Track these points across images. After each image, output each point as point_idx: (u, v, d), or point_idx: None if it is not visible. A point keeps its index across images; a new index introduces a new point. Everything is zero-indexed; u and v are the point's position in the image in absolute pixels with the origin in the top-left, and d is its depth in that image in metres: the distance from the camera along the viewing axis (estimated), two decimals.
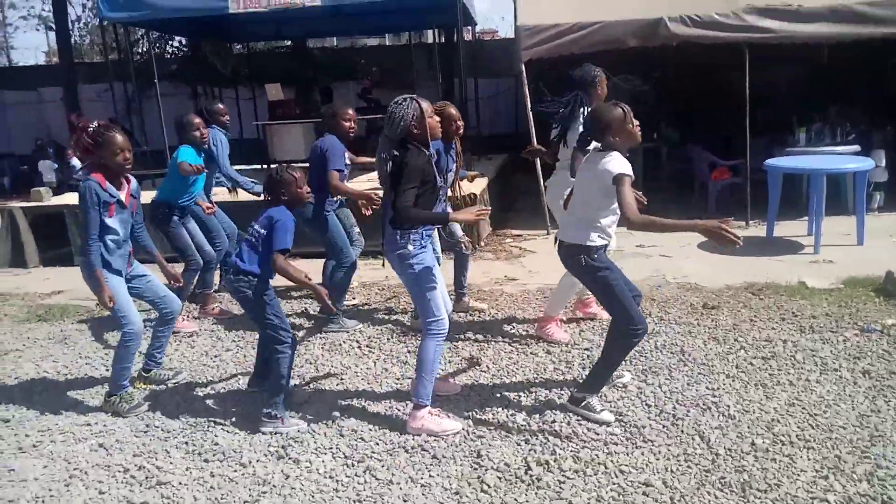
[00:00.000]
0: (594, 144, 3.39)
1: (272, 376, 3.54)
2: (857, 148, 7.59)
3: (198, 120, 5.00)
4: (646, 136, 9.09)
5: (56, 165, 12.13)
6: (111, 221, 3.61)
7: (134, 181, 3.79)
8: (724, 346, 4.18)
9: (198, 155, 4.96)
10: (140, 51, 14.21)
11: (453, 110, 4.32)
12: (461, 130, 4.37)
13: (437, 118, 3.41)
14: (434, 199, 3.37)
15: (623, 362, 3.53)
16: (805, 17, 6.83)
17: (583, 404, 3.42)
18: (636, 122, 3.28)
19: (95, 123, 3.61)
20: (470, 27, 11.68)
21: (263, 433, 3.43)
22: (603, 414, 3.39)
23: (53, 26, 17.20)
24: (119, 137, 3.57)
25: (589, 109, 4.01)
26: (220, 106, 5.76)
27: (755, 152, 7.24)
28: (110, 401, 3.78)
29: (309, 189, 3.62)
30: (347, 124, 4.66)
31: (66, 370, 4.39)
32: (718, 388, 3.64)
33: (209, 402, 3.83)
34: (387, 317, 5.07)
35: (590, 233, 3.30)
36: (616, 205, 3.19)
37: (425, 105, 3.29)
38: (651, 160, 9.45)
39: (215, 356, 4.49)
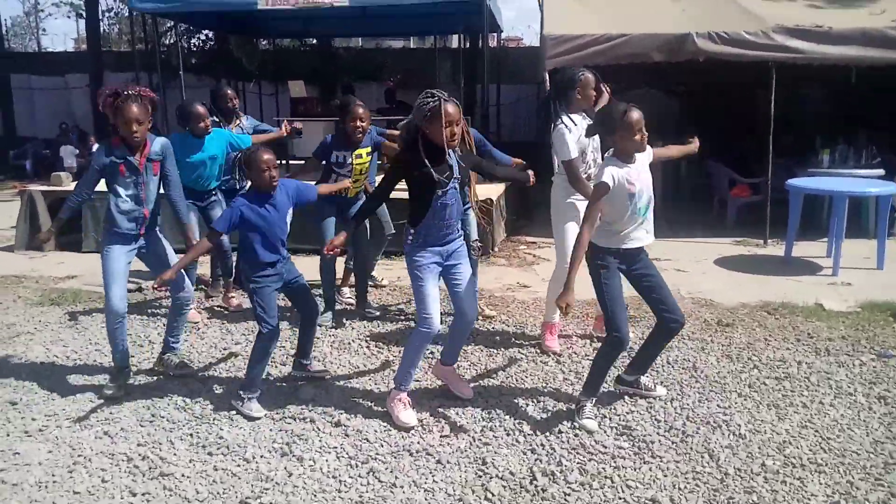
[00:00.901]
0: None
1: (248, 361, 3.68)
2: (881, 172, 7.49)
3: (201, 110, 4.85)
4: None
5: (77, 151, 12.26)
6: (120, 182, 3.70)
7: (158, 143, 3.78)
8: (737, 365, 4.12)
9: (192, 145, 4.91)
10: (167, 42, 14.34)
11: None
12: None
13: (457, 130, 3.28)
14: (431, 199, 3.34)
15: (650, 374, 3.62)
16: (834, 39, 6.76)
17: (577, 406, 3.49)
18: (644, 133, 3.27)
19: (118, 90, 3.64)
20: (495, 34, 11.67)
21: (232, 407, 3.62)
22: (586, 421, 3.41)
23: (84, 14, 17.42)
24: (129, 110, 3.57)
25: (564, 116, 4.07)
26: (228, 90, 5.45)
27: (777, 171, 7.17)
28: (112, 379, 3.91)
29: (276, 177, 3.53)
30: (353, 123, 4.55)
31: (75, 355, 4.40)
32: (730, 407, 3.58)
33: (216, 394, 3.82)
34: (397, 317, 5.05)
35: (599, 233, 3.39)
36: (629, 212, 3.32)
37: (453, 111, 3.23)
38: (671, 174, 9.40)
39: (224, 349, 4.49)
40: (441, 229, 3.42)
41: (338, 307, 5.06)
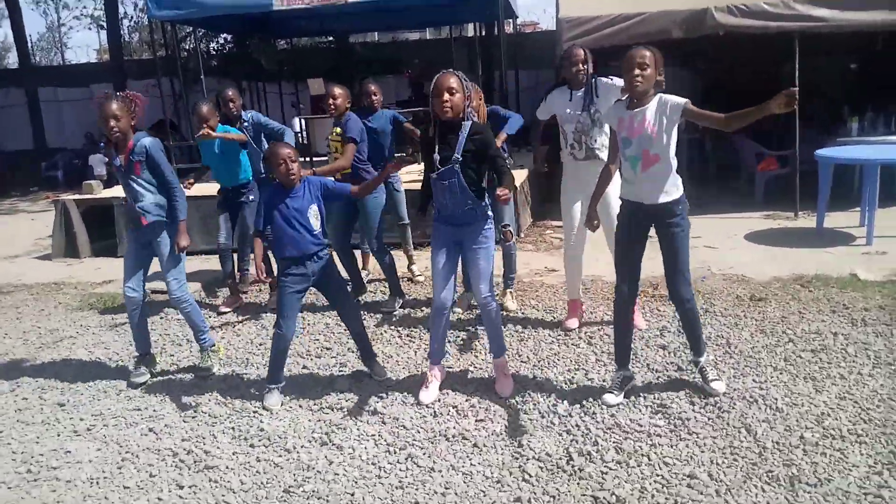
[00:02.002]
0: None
1: None
2: None
3: (202, 112, 4.88)
4: (692, 128, 8.95)
5: (106, 159, 12.49)
6: (119, 181, 3.96)
7: (142, 143, 3.81)
8: (771, 339, 4.09)
9: (206, 144, 5.08)
10: (187, 47, 14.50)
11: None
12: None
13: (447, 98, 3.30)
14: (431, 170, 3.45)
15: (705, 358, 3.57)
16: (858, 5, 6.61)
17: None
18: (634, 72, 3.12)
19: (107, 93, 3.85)
20: (511, 20, 11.61)
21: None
22: (605, 396, 3.47)
23: (105, 25, 17.69)
24: (105, 108, 3.71)
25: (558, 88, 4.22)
26: (228, 92, 5.32)
27: (805, 142, 7.05)
28: (135, 366, 4.14)
29: (293, 171, 3.56)
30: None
31: (117, 357, 4.52)
32: (766, 381, 3.56)
33: (254, 389, 3.90)
34: (427, 306, 5.08)
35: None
36: (622, 155, 3.35)
37: (441, 80, 3.31)
38: (697, 150, 9.30)
39: (260, 344, 4.57)
40: (447, 209, 3.47)
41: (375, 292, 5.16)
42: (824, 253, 5.79)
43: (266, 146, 5.15)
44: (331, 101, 4.78)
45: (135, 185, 3.86)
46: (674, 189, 3.29)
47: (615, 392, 3.46)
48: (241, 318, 5.12)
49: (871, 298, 4.61)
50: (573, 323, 4.47)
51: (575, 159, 4.22)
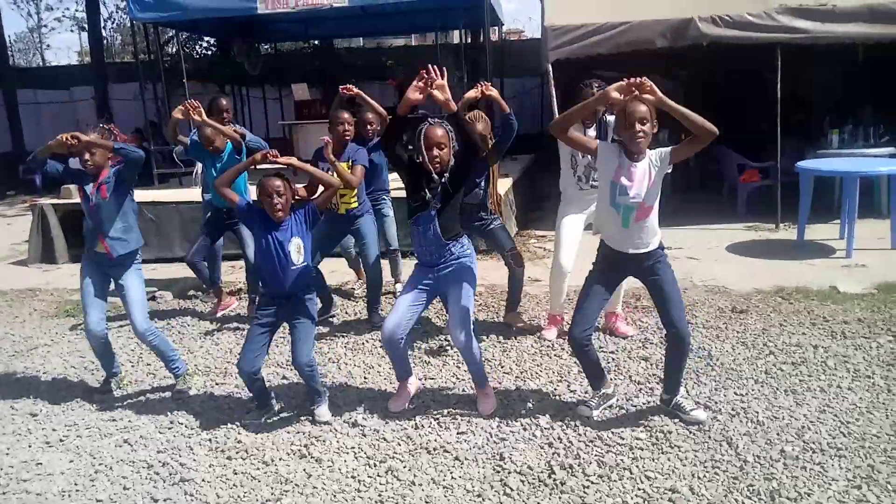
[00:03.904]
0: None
1: None
2: (892, 150, 7.42)
3: (208, 132, 4.84)
4: (675, 138, 8.99)
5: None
6: (83, 203, 3.80)
7: (114, 172, 3.76)
8: (752, 351, 4.10)
9: (202, 155, 5.01)
10: (170, 51, 14.40)
11: (479, 125, 4.26)
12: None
13: (436, 153, 3.24)
14: (412, 219, 3.40)
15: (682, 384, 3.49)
16: (840, 17, 6.69)
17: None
18: (636, 128, 3.10)
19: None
20: (497, 27, 11.64)
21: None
22: (580, 408, 3.47)
23: (86, 27, 17.51)
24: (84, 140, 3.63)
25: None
26: (222, 102, 5.25)
27: (786, 154, 7.11)
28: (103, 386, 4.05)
29: (279, 207, 3.41)
30: (339, 128, 4.69)
31: (92, 366, 4.43)
32: (747, 394, 3.56)
33: (232, 400, 3.84)
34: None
35: (602, 227, 3.44)
36: (608, 200, 3.25)
37: (430, 134, 3.23)
38: (679, 162, 9.34)
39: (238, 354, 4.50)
40: (425, 254, 3.41)
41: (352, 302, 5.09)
42: (805, 265, 5.83)
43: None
44: (347, 126, 4.71)
45: (103, 211, 3.71)
46: (658, 234, 3.30)
47: (591, 407, 3.44)
48: (220, 327, 5.05)
49: (851, 311, 4.65)
50: (552, 333, 4.46)
51: (580, 189, 4.29)
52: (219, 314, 5.27)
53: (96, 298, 3.83)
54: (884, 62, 8.15)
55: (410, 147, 3.32)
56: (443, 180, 3.30)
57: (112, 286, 3.87)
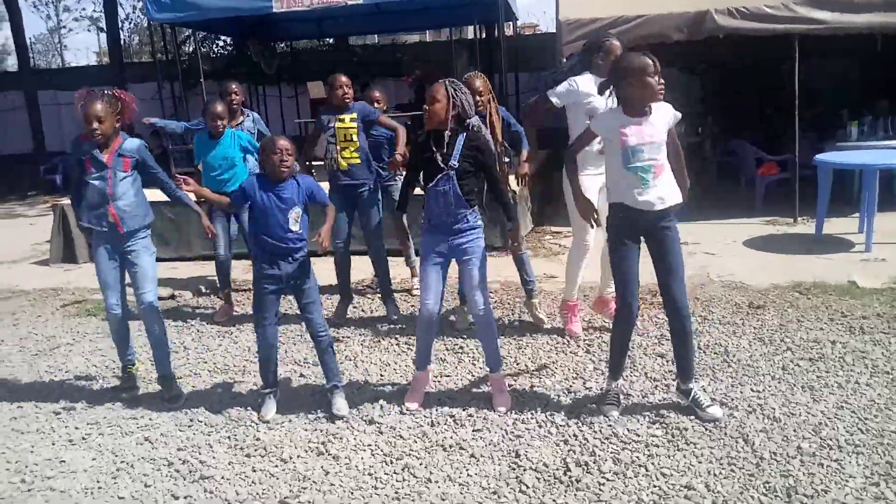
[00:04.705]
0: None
1: None
2: None
3: (216, 110, 4.95)
4: (691, 131, 8.94)
5: None
6: (87, 176, 3.74)
7: (132, 142, 3.81)
8: (769, 347, 4.07)
9: (208, 146, 5.04)
10: (187, 50, 14.51)
11: (478, 82, 4.33)
12: (482, 106, 4.31)
13: (438, 104, 3.39)
14: (427, 178, 3.49)
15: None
16: (858, 7, 6.61)
17: (604, 390, 3.51)
18: (654, 81, 3.10)
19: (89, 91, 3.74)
20: (511, 22, 11.61)
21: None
22: (606, 407, 3.43)
23: (104, 27, 17.69)
24: (88, 108, 3.64)
25: (579, 76, 4.05)
26: (231, 85, 5.32)
27: (804, 147, 7.04)
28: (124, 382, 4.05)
29: (295, 163, 3.55)
30: (339, 92, 4.75)
31: (113, 364, 4.49)
32: (763, 391, 3.55)
33: (251, 398, 3.88)
34: None
35: (611, 188, 3.36)
36: (622, 165, 3.21)
37: (429, 90, 3.40)
38: (697, 155, 9.29)
39: (256, 353, 4.53)
40: (439, 217, 3.47)
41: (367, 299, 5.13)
42: (823, 259, 5.78)
43: (251, 162, 5.17)
44: (346, 89, 4.75)
45: (120, 183, 3.73)
46: (677, 190, 3.28)
47: (615, 405, 3.45)
48: (238, 326, 5.10)
49: (870, 306, 4.60)
50: (578, 327, 4.44)
51: (599, 153, 3.97)
52: (222, 319, 5.26)
53: (112, 281, 3.85)
54: None
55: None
56: (459, 141, 3.43)
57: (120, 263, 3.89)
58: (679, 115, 3.26)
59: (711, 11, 6.69)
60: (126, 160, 3.78)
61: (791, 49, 6.77)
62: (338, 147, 4.77)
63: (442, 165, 3.42)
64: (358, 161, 4.79)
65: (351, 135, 4.76)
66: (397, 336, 4.65)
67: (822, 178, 6.41)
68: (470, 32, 14.55)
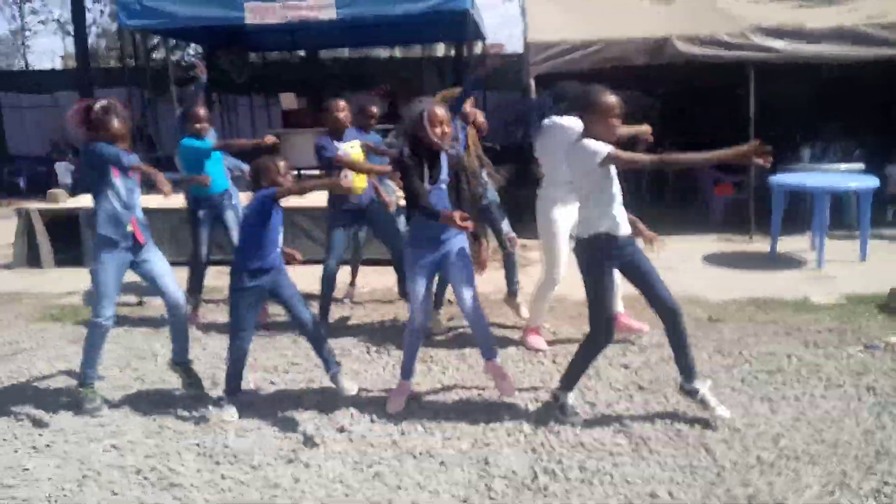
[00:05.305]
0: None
1: None
2: (861, 166, 7.65)
3: (200, 112, 5.00)
4: (651, 150, 9.13)
5: (73, 167, 12.24)
6: (112, 184, 3.78)
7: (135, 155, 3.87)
8: (728, 360, 4.22)
9: (195, 147, 5.04)
10: (156, 57, 14.36)
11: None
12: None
13: (446, 130, 3.53)
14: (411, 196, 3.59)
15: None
16: (810, 38, 6.93)
17: (559, 402, 3.55)
18: (619, 123, 3.26)
19: (89, 104, 3.76)
20: (479, 41, 11.79)
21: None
22: (574, 419, 3.52)
23: (71, 31, 17.39)
24: (120, 126, 3.75)
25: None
26: (199, 110, 5.17)
27: (759, 168, 7.29)
28: (77, 391, 3.90)
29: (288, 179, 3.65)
30: (339, 115, 4.84)
31: (78, 370, 4.43)
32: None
33: (220, 404, 3.87)
34: (395, 323, 5.12)
35: (602, 219, 3.36)
36: (611, 191, 3.32)
37: (437, 113, 3.50)
38: (655, 175, 9.53)
39: (226, 359, 4.52)
40: (430, 229, 3.57)
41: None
42: (778, 276, 6.00)
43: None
44: (346, 113, 4.88)
45: (136, 192, 3.86)
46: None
47: (579, 414, 3.56)
48: (207, 333, 5.07)
49: (822, 321, 4.79)
50: (540, 342, 4.53)
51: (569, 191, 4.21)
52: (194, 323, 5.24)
53: (115, 292, 3.85)
54: (854, 80, 8.41)
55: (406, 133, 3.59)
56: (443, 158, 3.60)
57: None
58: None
59: (672, 38, 6.96)
60: (138, 175, 3.85)
61: (747, 75, 7.03)
62: (351, 173, 4.79)
63: (429, 185, 3.54)
64: (365, 185, 4.93)
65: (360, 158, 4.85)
66: (367, 344, 4.68)
67: (776, 198, 6.66)
68: (439, 50, 14.70)
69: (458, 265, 3.65)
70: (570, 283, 4.79)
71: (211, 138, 5.25)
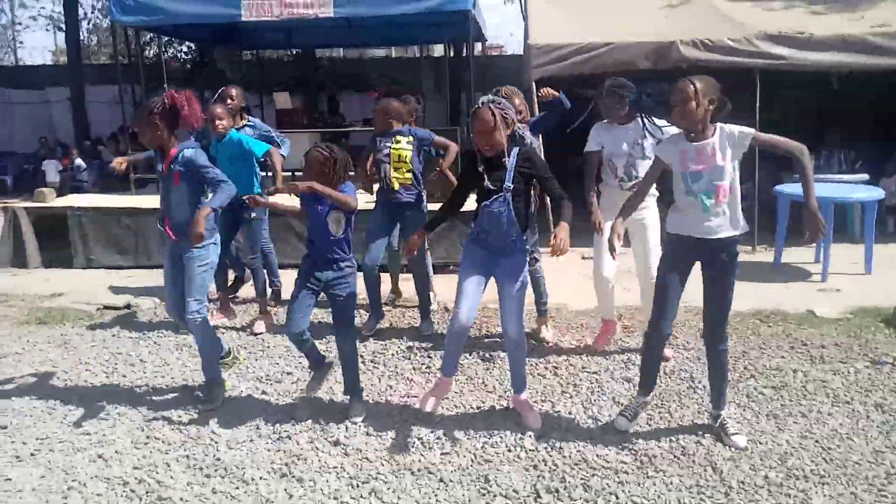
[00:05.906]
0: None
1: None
2: (865, 177, 7.58)
3: (216, 111, 4.83)
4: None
5: (61, 166, 12.09)
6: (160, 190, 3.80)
7: (185, 153, 3.64)
8: (734, 374, 4.12)
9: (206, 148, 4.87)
10: (149, 54, 14.23)
11: (517, 100, 4.64)
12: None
13: (497, 132, 3.31)
14: (480, 198, 3.47)
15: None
16: (816, 46, 6.85)
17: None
18: (675, 105, 3.19)
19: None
20: (480, 42, 11.70)
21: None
22: (619, 418, 3.51)
23: (63, 26, 17.24)
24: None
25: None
26: (231, 90, 5.14)
27: (764, 177, 7.22)
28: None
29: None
30: (386, 117, 4.88)
31: (65, 376, 4.32)
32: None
33: (210, 415, 3.75)
34: (392, 334, 5.00)
35: (672, 214, 3.40)
36: (683, 191, 3.28)
37: (482, 118, 3.31)
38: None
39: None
40: (489, 235, 3.42)
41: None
42: (782, 287, 5.91)
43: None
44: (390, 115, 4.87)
45: (173, 196, 3.70)
46: (740, 222, 3.29)
47: (629, 417, 3.48)
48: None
49: (828, 335, 4.71)
50: (604, 342, 4.49)
51: (622, 189, 4.23)
52: (217, 322, 5.08)
53: (173, 283, 3.79)
54: (860, 90, 8.34)
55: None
56: (511, 160, 3.36)
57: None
58: (747, 131, 3.22)
59: (677, 42, 6.86)
60: (175, 174, 3.65)
61: (752, 82, 6.95)
62: (391, 167, 4.80)
63: (492, 187, 3.35)
64: (410, 182, 4.85)
65: (405, 157, 4.81)
66: (362, 354, 4.56)
67: (782, 208, 6.58)
68: (437, 50, 14.61)
69: (510, 286, 3.40)
70: (570, 293, 4.74)
71: (251, 132, 5.13)
